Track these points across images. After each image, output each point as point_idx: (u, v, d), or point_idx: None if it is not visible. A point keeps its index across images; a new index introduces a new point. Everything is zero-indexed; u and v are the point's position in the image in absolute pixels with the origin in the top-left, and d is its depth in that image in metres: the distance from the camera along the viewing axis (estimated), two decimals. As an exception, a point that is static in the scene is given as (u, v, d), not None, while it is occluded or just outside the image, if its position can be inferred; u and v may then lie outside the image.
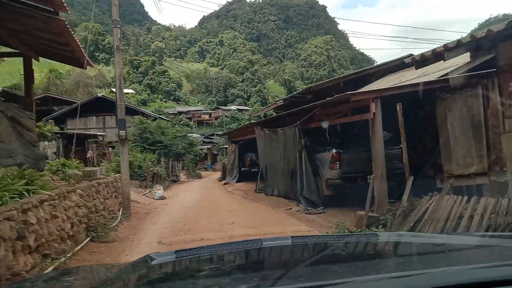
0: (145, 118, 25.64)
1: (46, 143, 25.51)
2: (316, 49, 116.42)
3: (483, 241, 1.89)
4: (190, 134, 38.57)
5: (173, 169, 28.08)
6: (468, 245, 1.71)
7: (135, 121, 25.49)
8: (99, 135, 22.92)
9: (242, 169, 22.57)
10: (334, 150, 9.45)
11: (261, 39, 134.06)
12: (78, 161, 14.51)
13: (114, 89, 46.94)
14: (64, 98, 30.28)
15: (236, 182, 21.66)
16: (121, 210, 10.84)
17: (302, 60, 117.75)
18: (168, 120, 31.17)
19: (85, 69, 13.46)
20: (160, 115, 36.06)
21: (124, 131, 11.13)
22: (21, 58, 9.65)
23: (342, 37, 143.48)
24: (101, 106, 27.24)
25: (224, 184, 22.34)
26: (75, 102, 28.73)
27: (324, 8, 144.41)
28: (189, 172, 39.41)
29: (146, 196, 16.22)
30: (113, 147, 23.80)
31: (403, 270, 1.29)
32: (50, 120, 23.84)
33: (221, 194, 17.26)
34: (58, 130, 23.40)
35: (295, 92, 14.93)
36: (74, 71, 41.98)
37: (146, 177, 20.37)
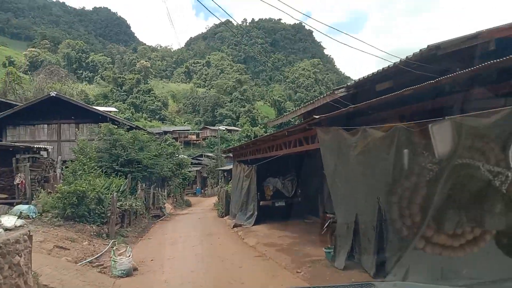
0: (116, 127, 17.01)
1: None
2: (304, 71, 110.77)
3: None
4: (177, 155, 29.59)
5: (156, 199, 19.33)
6: None
7: (101, 130, 16.85)
8: (42, 149, 14.18)
9: (261, 202, 14.20)
10: None
11: (248, 62, 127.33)
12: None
13: (98, 107, 37.04)
14: (7, 101, 21.31)
15: (254, 225, 13.26)
16: None
17: (289, 83, 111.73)
18: (149, 132, 22.38)
19: None
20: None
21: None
22: None
23: (328, 61, 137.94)
24: (55, 111, 18.58)
25: (234, 227, 13.79)
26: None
27: (310, 32, 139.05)
28: (176, 200, 30.68)
29: (98, 268, 7.58)
30: (65, 168, 14.97)
31: None
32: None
33: (246, 264, 8.52)
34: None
35: (384, 67, 6.61)
36: (38, 75, 32.96)
37: (110, 218, 11.73)
